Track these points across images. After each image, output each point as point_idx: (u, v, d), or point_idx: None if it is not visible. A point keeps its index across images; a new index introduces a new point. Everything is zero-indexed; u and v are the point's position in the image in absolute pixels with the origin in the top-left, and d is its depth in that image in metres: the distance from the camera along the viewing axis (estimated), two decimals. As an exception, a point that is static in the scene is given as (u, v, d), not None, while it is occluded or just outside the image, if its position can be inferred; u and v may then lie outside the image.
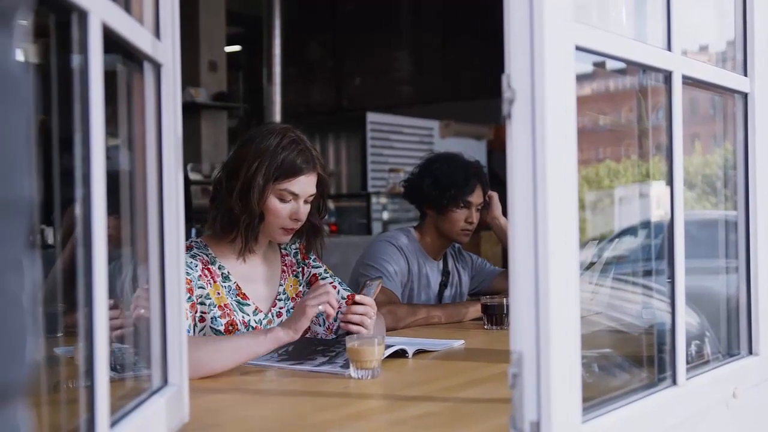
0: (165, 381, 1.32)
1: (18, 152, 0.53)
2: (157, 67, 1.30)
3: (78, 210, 0.98)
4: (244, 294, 2.14)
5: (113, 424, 1.04)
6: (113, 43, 1.07)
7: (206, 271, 2.09)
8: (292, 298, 2.26)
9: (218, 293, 2.09)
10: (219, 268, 2.13)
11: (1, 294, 0.52)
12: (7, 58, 0.54)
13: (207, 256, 2.13)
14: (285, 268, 2.28)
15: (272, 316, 2.19)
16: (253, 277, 2.19)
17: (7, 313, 0.53)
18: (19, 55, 0.56)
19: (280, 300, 2.23)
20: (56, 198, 1.00)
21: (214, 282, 2.10)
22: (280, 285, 2.25)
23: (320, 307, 1.90)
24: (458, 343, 2.28)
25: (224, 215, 2.11)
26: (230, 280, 2.13)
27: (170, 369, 1.32)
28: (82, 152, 0.96)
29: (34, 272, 0.56)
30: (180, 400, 1.34)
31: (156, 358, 1.31)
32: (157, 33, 1.30)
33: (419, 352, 2.10)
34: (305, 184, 2.11)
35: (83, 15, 0.96)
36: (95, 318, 0.97)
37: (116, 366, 1.27)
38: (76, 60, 0.98)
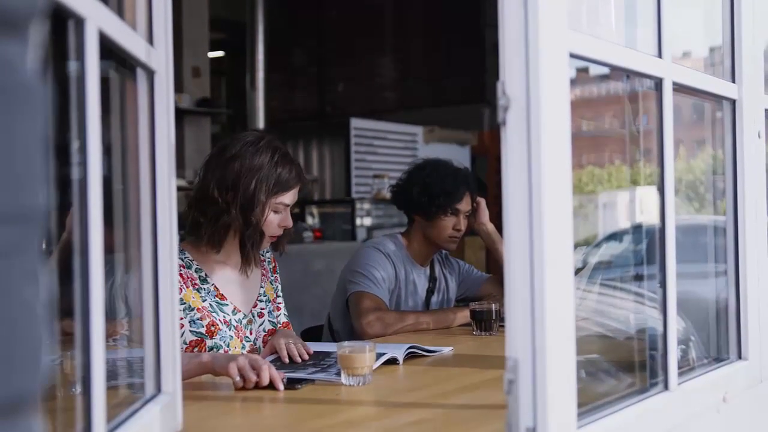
0: (158, 389, 1.31)
1: (33, 162, 0.53)
2: (150, 73, 1.29)
3: (73, 217, 0.97)
4: (222, 295, 2.19)
5: (109, 433, 1.04)
6: (107, 49, 1.06)
7: (179, 276, 2.11)
8: (271, 301, 2.33)
9: (194, 296, 2.13)
10: (196, 271, 2.17)
11: (17, 304, 0.51)
12: (22, 68, 0.53)
13: (182, 260, 2.16)
14: (264, 272, 2.35)
15: (253, 316, 2.25)
16: (232, 279, 2.24)
17: (24, 323, 0.52)
18: (33, 65, 0.55)
19: (261, 301, 2.30)
20: (51, 206, 0.99)
21: (192, 284, 2.14)
22: (261, 287, 2.31)
23: (237, 379, 1.75)
24: (447, 350, 2.28)
25: (221, 229, 2.13)
26: (208, 283, 2.18)
27: (164, 377, 1.32)
28: (79, 158, 0.96)
29: (48, 282, 0.56)
30: (173, 409, 1.34)
31: (150, 367, 1.30)
32: (150, 40, 1.29)
33: (411, 356, 2.10)
34: (295, 195, 2.22)
35: (80, 22, 0.95)
36: (92, 327, 0.96)
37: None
38: (72, 66, 0.97)
